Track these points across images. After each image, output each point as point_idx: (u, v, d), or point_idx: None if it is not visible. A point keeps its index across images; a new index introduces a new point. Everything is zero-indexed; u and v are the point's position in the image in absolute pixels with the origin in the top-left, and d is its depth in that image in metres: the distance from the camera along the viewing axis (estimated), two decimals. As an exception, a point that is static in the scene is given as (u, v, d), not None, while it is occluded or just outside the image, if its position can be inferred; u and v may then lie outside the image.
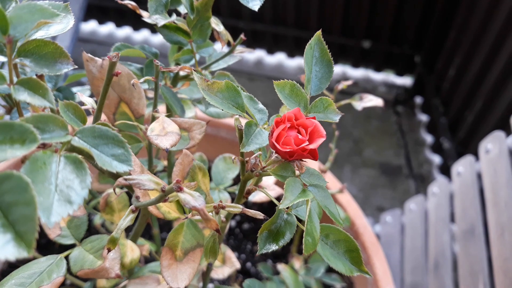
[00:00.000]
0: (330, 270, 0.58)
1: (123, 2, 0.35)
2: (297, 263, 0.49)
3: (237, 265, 0.39)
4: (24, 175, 0.15)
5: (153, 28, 1.95)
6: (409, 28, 1.73)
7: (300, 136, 0.22)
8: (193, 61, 0.32)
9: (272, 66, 1.99)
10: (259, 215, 0.25)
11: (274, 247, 0.24)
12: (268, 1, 1.49)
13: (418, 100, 1.87)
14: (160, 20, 0.28)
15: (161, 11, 0.27)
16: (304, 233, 0.24)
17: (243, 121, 0.24)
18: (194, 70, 0.29)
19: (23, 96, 0.25)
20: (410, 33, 1.74)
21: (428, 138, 1.73)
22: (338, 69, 1.94)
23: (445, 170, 1.50)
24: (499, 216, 0.67)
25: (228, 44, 0.34)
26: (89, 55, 0.35)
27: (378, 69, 1.91)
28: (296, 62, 1.98)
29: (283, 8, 1.77)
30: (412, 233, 0.85)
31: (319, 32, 0.27)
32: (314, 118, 0.23)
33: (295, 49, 1.92)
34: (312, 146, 0.22)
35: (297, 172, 0.23)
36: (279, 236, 0.24)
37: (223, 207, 0.25)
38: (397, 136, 1.78)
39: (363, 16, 1.69)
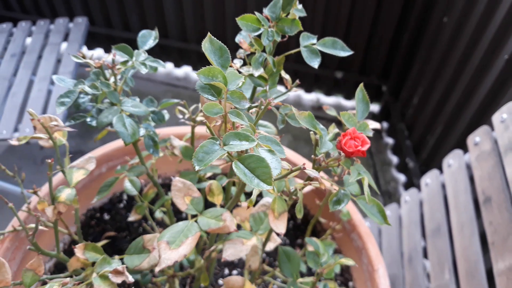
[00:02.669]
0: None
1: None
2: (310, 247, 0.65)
3: (279, 240, 0.54)
4: (259, 155, 0.30)
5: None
6: (377, 61, 1.89)
7: (356, 143, 0.38)
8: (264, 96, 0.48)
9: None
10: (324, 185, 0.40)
11: (339, 207, 0.40)
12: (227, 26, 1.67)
13: (385, 125, 2.07)
14: (256, 72, 0.43)
15: (258, 67, 0.42)
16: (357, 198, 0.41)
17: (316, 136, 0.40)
18: (283, 104, 0.45)
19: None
20: (378, 66, 1.91)
21: (394, 159, 1.93)
22: (313, 96, 2.14)
23: (410, 187, 1.68)
24: (459, 216, 0.85)
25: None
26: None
27: (348, 97, 2.09)
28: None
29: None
30: (389, 235, 1.03)
31: (361, 84, 0.44)
32: (361, 133, 0.39)
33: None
34: (363, 149, 0.38)
35: (355, 163, 0.39)
36: (340, 202, 0.40)
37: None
38: (366, 157, 1.98)
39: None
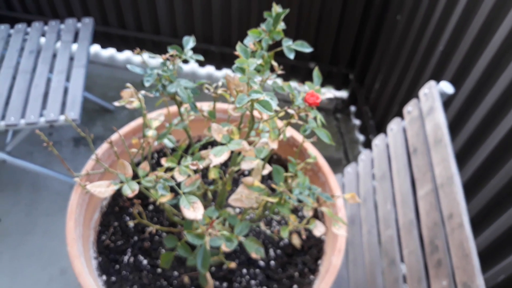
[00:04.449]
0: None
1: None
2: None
3: (270, 168, 0.88)
4: (266, 99, 0.64)
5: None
6: (344, 53, 2.22)
7: (313, 98, 0.71)
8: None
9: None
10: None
11: (306, 133, 0.73)
12: (233, 27, 2.00)
13: (353, 108, 2.43)
14: (257, 61, 0.76)
15: (259, 58, 0.75)
16: (315, 129, 0.75)
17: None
18: (274, 81, 0.78)
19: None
20: (345, 57, 2.24)
21: (361, 137, 2.29)
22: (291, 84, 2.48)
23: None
24: (397, 164, 1.21)
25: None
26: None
27: (321, 85, 2.45)
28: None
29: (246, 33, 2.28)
30: (350, 184, 1.39)
31: (316, 68, 0.76)
32: (317, 93, 0.73)
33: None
34: (317, 101, 0.71)
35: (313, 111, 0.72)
36: (306, 130, 0.74)
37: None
38: (337, 137, 2.34)
39: (309, 43, 2.23)
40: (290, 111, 0.71)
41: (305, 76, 2.37)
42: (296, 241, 1.03)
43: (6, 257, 1.85)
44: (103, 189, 0.63)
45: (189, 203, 0.65)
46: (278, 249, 1.04)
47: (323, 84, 2.42)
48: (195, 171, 0.69)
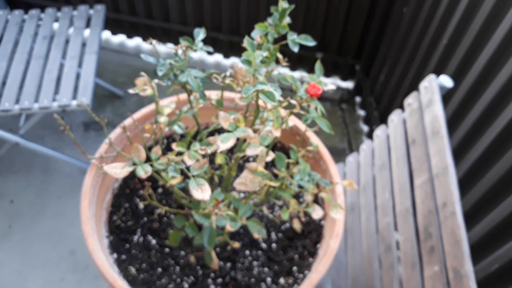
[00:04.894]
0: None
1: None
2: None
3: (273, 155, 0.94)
4: (270, 90, 0.68)
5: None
6: (351, 44, 2.25)
7: (314, 89, 0.76)
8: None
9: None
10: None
11: (307, 122, 0.78)
12: (242, 16, 2.05)
13: (358, 99, 2.47)
14: (263, 54, 0.81)
15: (265, 51, 0.81)
16: (316, 119, 0.80)
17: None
18: (278, 72, 0.83)
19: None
20: (352, 48, 2.27)
21: (365, 128, 2.34)
22: (297, 74, 2.53)
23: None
24: (396, 154, 1.26)
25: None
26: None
27: (327, 75, 2.45)
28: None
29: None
30: (351, 173, 1.44)
31: (318, 60, 0.81)
32: (318, 85, 0.78)
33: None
34: (318, 92, 0.76)
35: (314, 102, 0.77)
36: (307, 119, 0.79)
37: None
38: (341, 127, 2.38)
39: (316, 33, 2.24)
40: (293, 101, 0.76)
41: (311, 66, 2.41)
42: (297, 225, 1.09)
43: (17, 237, 1.93)
44: (119, 170, 0.69)
45: (198, 185, 0.70)
46: (280, 232, 1.10)
47: (329, 74, 2.46)
48: (203, 156, 0.75)
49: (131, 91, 0.84)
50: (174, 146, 0.79)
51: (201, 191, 0.69)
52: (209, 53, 2.54)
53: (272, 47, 0.82)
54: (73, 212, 2.02)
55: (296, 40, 0.83)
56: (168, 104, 0.87)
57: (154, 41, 0.85)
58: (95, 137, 2.26)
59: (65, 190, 2.08)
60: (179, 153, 0.80)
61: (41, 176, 2.12)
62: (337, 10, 2.10)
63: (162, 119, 0.83)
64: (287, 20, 0.82)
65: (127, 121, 1.07)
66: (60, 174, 2.13)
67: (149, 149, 0.82)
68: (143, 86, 0.83)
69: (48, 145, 2.15)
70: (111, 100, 2.40)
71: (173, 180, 0.75)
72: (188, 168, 0.77)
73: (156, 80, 0.85)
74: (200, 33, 0.86)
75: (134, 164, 0.73)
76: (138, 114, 1.10)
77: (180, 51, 0.83)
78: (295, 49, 0.83)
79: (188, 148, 0.80)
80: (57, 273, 1.84)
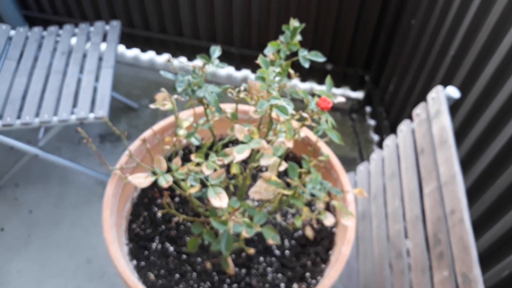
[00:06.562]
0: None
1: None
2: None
3: (286, 164, 0.99)
4: (283, 104, 0.74)
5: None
6: (361, 55, 2.30)
7: (324, 103, 0.81)
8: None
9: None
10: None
11: (318, 134, 0.83)
12: (253, 30, 2.11)
13: (368, 109, 2.51)
14: (276, 69, 0.86)
15: (278, 67, 0.86)
16: (327, 130, 0.85)
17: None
18: (290, 86, 0.88)
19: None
20: (362, 59, 2.32)
21: (375, 137, 2.38)
22: (307, 85, 2.58)
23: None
24: (406, 163, 1.30)
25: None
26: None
27: (337, 85, 2.50)
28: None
29: (265, 36, 2.38)
30: (362, 182, 1.48)
31: (329, 75, 0.86)
32: (328, 98, 0.82)
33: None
34: (329, 106, 0.81)
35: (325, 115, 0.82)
36: (318, 131, 0.84)
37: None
38: (352, 136, 2.43)
39: (326, 46, 2.29)
40: (304, 114, 0.81)
41: (322, 77, 2.46)
42: (309, 232, 1.14)
43: (36, 246, 1.99)
44: (142, 180, 0.75)
45: (216, 193, 0.76)
46: (293, 239, 1.15)
47: (339, 85, 2.51)
48: (220, 166, 0.80)
49: (152, 106, 0.89)
50: (192, 157, 0.84)
51: (219, 199, 0.75)
52: (222, 66, 2.61)
53: (284, 63, 0.88)
54: (89, 222, 2.08)
55: (307, 57, 0.89)
56: (186, 117, 0.92)
57: (170, 57, 0.91)
58: (111, 148, 2.33)
59: (81, 201, 2.14)
60: (197, 164, 0.85)
61: (58, 186, 2.19)
62: (345, 24, 2.16)
63: (181, 132, 0.88)
64: (298, 37, 0.88)
65: (146, 133, 1.13)
66: (77, 185, 2.19)
67: (168, 160, 0.88)
68: (163, 101, 0.89)
69: (65, 156, 2.22)
70: (126, 112, 2.47)
71: (192, 189, 0.80)
72: (206, 178, 0.82)
73: (175, 96, 0.91)
74: (216, 51, 0.92)
75: (155, 174, 0.79)
76: (156, 127, 1.16)
77: (197, 68, 0.89)
78: (306, 65, 0.88)
79: (206, 158, 0.85)
80: (74, 282, 1.89)
